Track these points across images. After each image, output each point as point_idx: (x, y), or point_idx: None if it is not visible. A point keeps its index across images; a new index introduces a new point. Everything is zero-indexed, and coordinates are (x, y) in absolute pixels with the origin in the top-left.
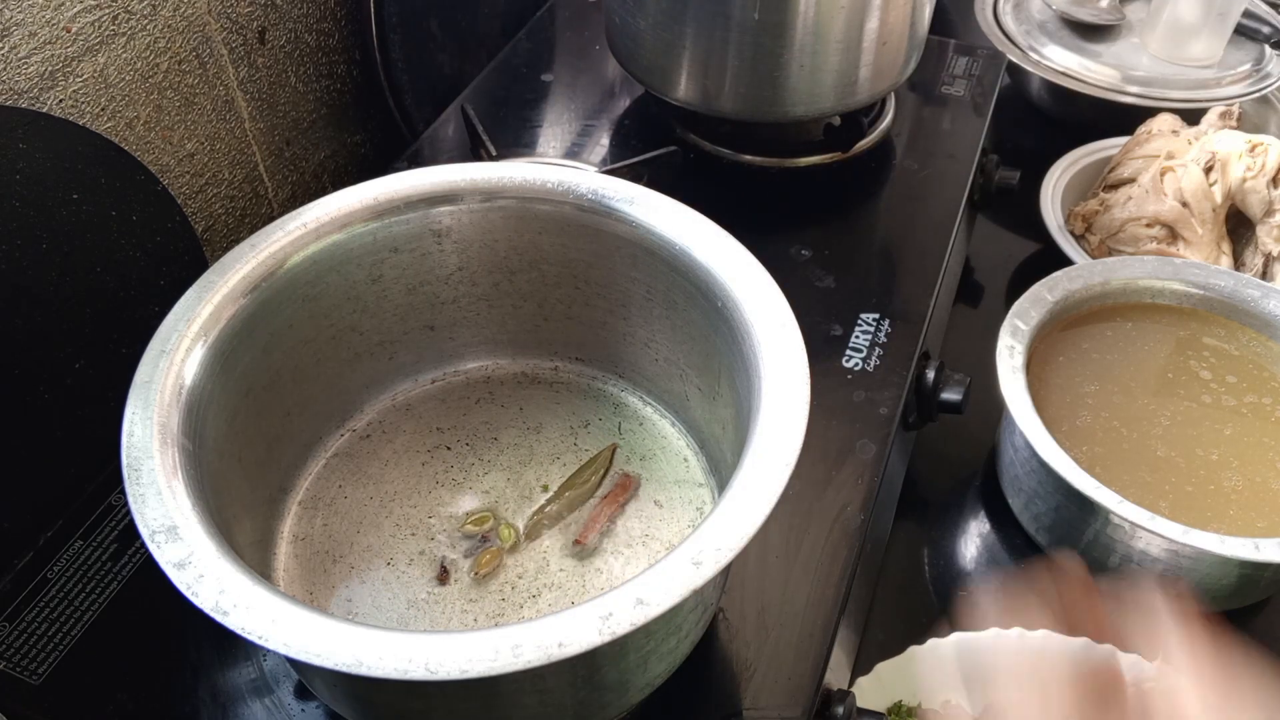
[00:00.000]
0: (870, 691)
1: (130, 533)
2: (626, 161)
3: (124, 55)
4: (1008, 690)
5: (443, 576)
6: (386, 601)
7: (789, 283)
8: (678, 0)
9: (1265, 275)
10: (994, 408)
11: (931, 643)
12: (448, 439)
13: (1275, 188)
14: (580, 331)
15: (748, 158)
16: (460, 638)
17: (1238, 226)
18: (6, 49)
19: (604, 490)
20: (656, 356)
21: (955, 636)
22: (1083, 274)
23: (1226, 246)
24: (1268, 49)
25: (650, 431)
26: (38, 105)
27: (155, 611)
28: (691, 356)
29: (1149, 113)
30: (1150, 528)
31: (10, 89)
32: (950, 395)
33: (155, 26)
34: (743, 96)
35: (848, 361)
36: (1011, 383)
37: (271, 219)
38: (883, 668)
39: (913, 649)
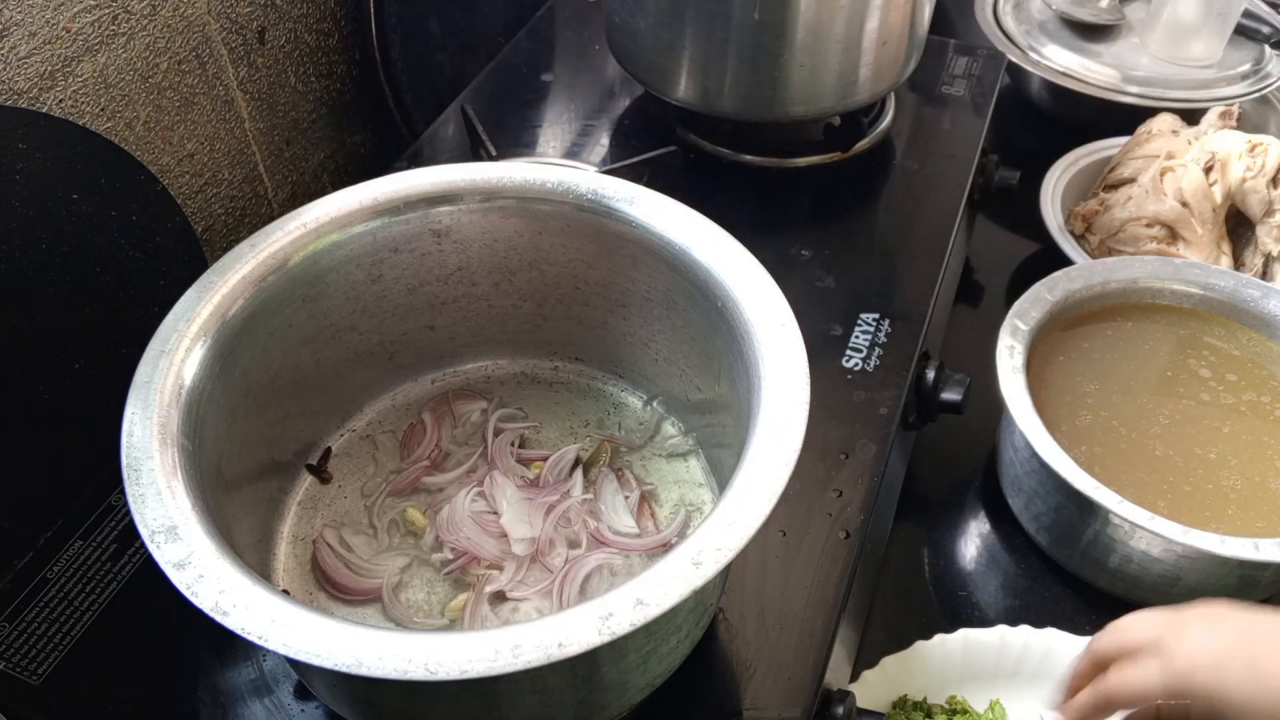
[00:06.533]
0: (876, 685)
1: (130, 533)
2: (626, 161)
3: (124, 55)
4: None
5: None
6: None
7: (789, 283)
8: (677, 0)
9: (1265, 275)
10: (994, 408)
11: (939, 638)
12: None
13: (1275, 188)
14: (580, 331)
15: (748, 158)
16: (460, 638)
17: (1238, 226)
18: (6, 49)
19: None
20: (656, 356)
21: (962, 633)
22: (1083, 274)
23: (1226, 246)
24: (1268, 49)
25: (650, 432)
26: (38, 105)
27: (155, 611)
28: (691, 356)
29: (1149, 113)
30: (1150, 528)
31: (10, 89)
32: (950, 395)
33: (155, 26)
34: (743, 96)
35: (848, 361)
36: (1011, 383)
37: (271, 219)
38: (888, 662)
39: (919, 644)
